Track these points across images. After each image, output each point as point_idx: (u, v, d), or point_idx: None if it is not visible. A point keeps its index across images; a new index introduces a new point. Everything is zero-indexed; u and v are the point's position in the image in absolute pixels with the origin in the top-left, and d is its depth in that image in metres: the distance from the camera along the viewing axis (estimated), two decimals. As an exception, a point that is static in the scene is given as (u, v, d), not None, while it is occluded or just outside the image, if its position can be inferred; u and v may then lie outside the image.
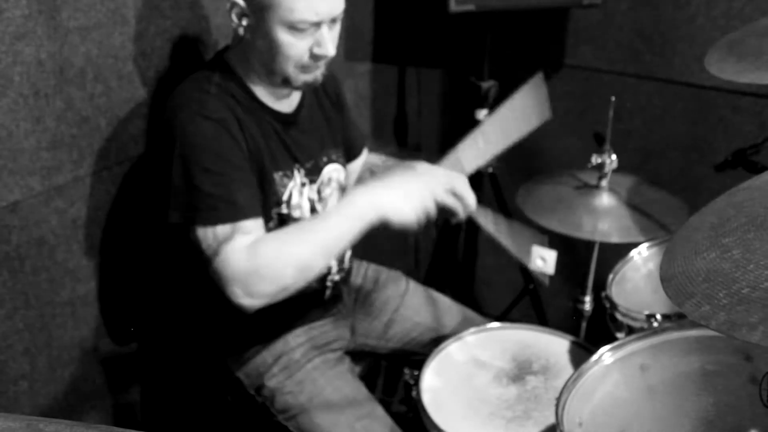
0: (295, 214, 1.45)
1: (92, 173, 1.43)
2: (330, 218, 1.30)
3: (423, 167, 1.38)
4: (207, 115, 1.29)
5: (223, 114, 1.31)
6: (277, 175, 1.40)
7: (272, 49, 1.30)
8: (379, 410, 1.46)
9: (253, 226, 1.30)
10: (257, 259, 1.25)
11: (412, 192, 1.29)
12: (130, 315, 1.60)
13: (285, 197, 1.42)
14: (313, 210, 1.50)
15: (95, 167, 1.43)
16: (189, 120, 1.29)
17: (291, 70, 1.33)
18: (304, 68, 1.33)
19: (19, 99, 1.26)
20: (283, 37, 1.28)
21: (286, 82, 1.36)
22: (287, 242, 1.29)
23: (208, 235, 1.27)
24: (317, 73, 1.36)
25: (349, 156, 1.64)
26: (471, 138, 1.46)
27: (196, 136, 1.29)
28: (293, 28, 1.27)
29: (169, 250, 1.40)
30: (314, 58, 1.32)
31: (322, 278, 1.53)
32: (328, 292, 1.57)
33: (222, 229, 1.27)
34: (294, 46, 1.29)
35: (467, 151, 1.45)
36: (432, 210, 1.30)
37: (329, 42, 1.30)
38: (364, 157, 1.70)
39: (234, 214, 1.28)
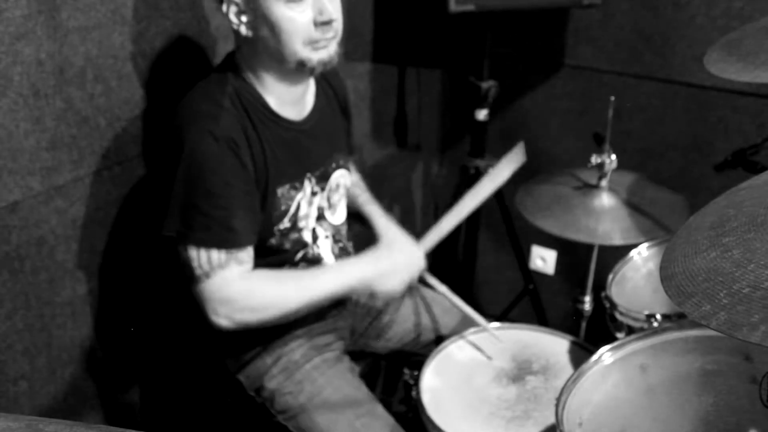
0: (301, 224, 1.46)
1: (92, 173, 1.43)
2: (325, 278, 1.43)
3: (402, 247, 1.54)
4: (217, 136, 1.28)
5: (233, 133, 1.30)
6: (283, 189, 1.40)
7: (276, 31, 1.28)
8: (380, 409, 1.46)
9: (247, 256, 1.35)
10: (252, 293, 1.36)
11: (398, 273, 1.48)
12: (130, 315, 1.60)
13: (292, 209, 1.42)
14: (320, 218, 1.50)
15: (95, 167, 1.43)
16: (198, 138, 1.28)
17: (301, 49, 1.30)
18: (313, 44, 1.30)
19: (19, 99, 1.26)
20: (283, 13, 1.27)
21: (302, 66, 1.32)
22: (283, 286, 1.39)
23: (202, 256, 1.30)
24: (330, 50, 1.33)
25: None
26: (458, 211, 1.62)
27: (203, 157, 1.28)
28: (290, 1, 1.26)
29: (169, 252, 1.40)
30: (320, 25, 1.29)
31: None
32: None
33: (217, 255, 1.31)
34: (296, 21, 1.27)
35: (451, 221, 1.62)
36: (408, 284, 1.50)
37: (329, 6, 1.29)
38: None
39: (229, 241, 1.31)
